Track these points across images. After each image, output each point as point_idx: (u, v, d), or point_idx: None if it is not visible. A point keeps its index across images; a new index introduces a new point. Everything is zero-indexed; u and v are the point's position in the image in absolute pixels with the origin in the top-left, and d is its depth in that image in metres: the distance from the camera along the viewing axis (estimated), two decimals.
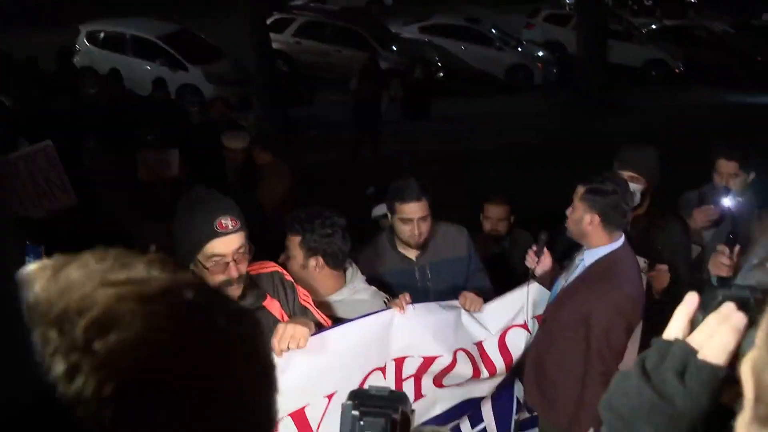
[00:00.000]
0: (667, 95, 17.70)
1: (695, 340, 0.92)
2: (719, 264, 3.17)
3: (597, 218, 3.28)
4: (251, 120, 12.40)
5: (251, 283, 2.78)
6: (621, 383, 0.99)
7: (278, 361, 2.54)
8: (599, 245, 3.36)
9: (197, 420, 0.59)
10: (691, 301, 0.98)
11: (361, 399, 1.41)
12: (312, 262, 3.20)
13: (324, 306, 3.18)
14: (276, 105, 13.47)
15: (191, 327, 0.61)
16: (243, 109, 13.47)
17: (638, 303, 3.28)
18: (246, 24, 13.73)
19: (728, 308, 0.91)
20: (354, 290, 3.42)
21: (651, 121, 14.15)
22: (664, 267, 3.67)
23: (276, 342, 2.54)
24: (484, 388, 3.68)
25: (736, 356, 0.88)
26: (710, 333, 0.91)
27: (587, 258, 3.41)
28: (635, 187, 3.96)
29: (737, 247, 3.19)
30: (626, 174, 3.85)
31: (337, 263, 3.32)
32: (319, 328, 2.86)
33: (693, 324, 0.95)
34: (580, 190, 3.34)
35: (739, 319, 0.89)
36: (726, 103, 16.97)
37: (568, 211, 3.41)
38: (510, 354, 3.68)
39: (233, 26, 15.20)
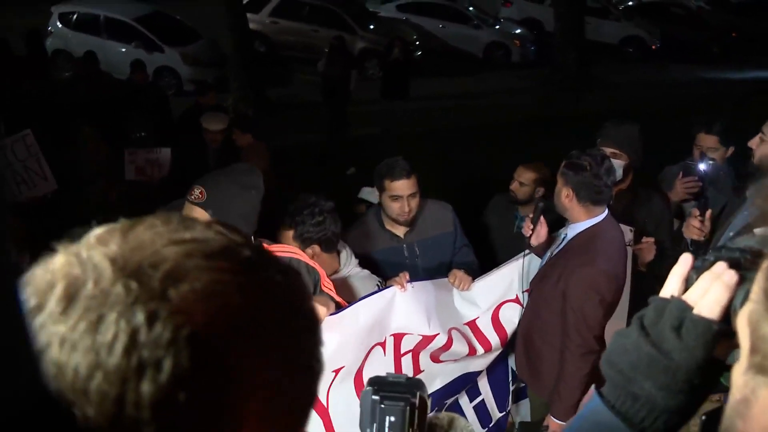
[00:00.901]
0: (644, 72, 17.80)
1: (690, 297, 0.97)
2: (692, 227, 3.38)
3: (572, 193, 3.32)
4: (229, 101, 12.30)
5: None
6: (620, 340, 1.01)
7: None
8: (579, 220, 3.39)
9: (259, 363, 0.65)
10: (685, 261, 1.02)
11: (381, 385, 1.48)
12: (309, 251, 3.22)
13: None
14: (253, 86, 13.37)
15: (253, 280, 0.67)
16: (220, 91, 13.37)
17: (613, 278, 3.29)
18: (222, 4, 13.57)
19: (720, 267, 0.95)
20: (351, 273, 3.48)
21: (628, 97, 14.24)
22: (651, 240, 3.72)
23: None
24: (481, 362, 3.74)
25: (728, 311, 0.92)
26: (704, 290, 0.95)
27: (570, 232, 3.45)
28: (617, 163, 4.01)
29: (709, 211, 3.37)
30: (608, 150, 3.90)
31: (331, 247, 3.39)
32: (338, 308, 2.89)
33: (687, 283, 1.00)
34: (561, 166, 3.39)
35: (731, 276, 0.93)
36: (702, 79, 17.11)
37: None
38: (504, 329, 3.73)
39: (209, 7, 15.04)
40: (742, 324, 0.78)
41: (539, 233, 3.61)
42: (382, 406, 1.45)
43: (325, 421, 2.91)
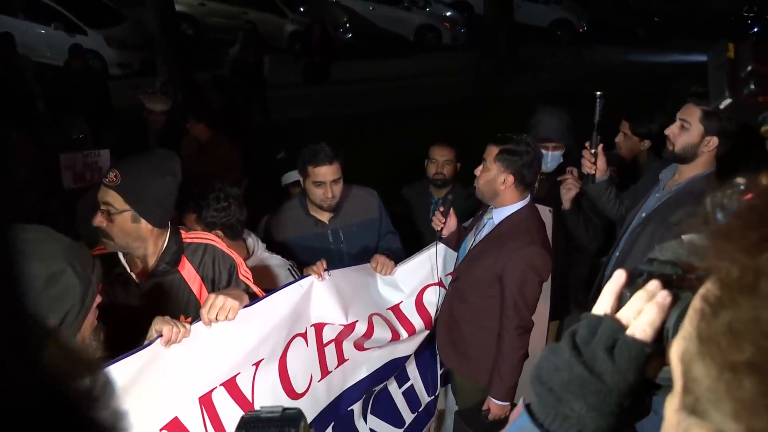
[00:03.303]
0: (573, 54, 18.12)
1: (623, 316, 0.96)
2: (585, 161, 3.75)
3: (511, 178, 3.32)
4: (157, 86, 12.00)
5: (177, 249, 2.78)
6: (551, 357, 0.99)
7: (207, 331, 2.50)
8: (507, 204, 3.41)
9: None
10: (618, 278, 1.01)
11: (252, 423, 1.34)
12: None
13: None
14: (181, 69, 13.07)
15: None
16: (147, 74, 13.03)
17: (548, 258, 3.36)
18: None
19: (654, 286, 0.95)
20: (259, 259, 3.44)
21: (557, 79, 14.48)
22: (574, 173, 3.93)
23: (204, 312, 2.52)
24: (407, 347, 3.74)
25: (661, 331, 0.92)
26: (637, 310, 0.95)
27: (496, 216, 3.45)
28: (556, 154, 4.17)
29: (600, 146, 3.68)
30: (550, 144, 4.14)
31: (236, 234, 3.36)
32: (254, 299, 2.84)
33: (621, 300, 0.99)
34: (494, 150, 3.34)
35: (664, 296, 0.93)
36: (628, 62, 17.51)
37: (478, 171, 3.43)
38: (428, 312, 3.76)
39: None
40: (674, 360, 0.77)
41: (449, 224, 3.70)
42: None
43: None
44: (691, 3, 22.45)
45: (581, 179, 3.92)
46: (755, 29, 20.96)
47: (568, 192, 3.98)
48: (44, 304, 1.91)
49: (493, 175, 3.34)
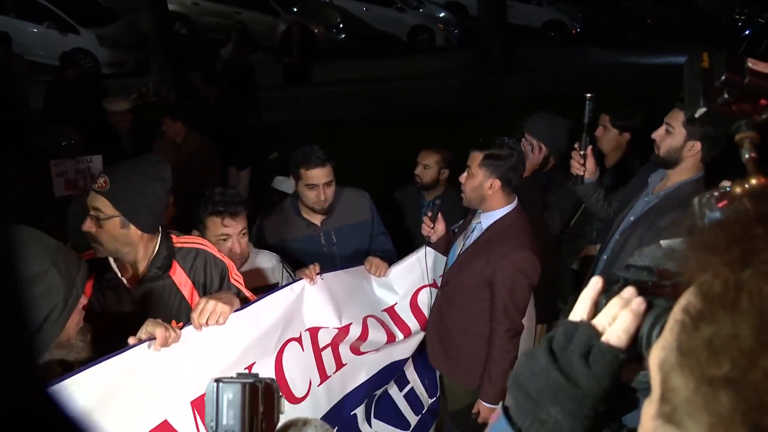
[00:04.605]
0: (565, 56, 18.15)
1: (599, 323, 0.98)
2: (573, 163, 3.79)
3: (498, 183, 3.33)
4: (149, 86, 11.98)
5: (168, 254, 2.78)
6: (529, 362, 1.02)
7: (198, 335, 2.50)
8: (495, 208, 3.42)
9: None
10: (595, 284, 1.03)
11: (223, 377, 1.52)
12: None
13: None
14: (174, 69, 13.05)
15: None
16: (140, 74, 13.01)
17: (537, 261, 3.37)
18: None
19: (629, 293, 0.97)
20: (254, 262, 3.45)
21: (550, 80, 14.50)
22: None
23: (195, 316, 2.52)
24: (405, 349, 3.75)
25: (635, 337, 0.95)
26: (612, 316, 0.97)
27: (484, 221, 3.46)
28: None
29: (590, 147, 3.72)
30: (534, 142, 4.20)
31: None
32: (245, 303, 2.83)
33: (597, 307, 1.01)
34: (478, 156, 3.35)
35: (639, 303, 0.95)
36: (620, 64, 17.55)
37: (462, 178, 3.44)
38: (422, 313, 3.79)
39: None
40: (653, 367, 0.78)
41: (438, 229, 3.74)
42: (220, 385, 1.44)
43: None
44: (684, 5, 22.54)
45: (570, 180, 3.93)
46: (747, 32, 21.02)
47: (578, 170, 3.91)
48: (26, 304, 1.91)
49: (479, 181, 3.36)
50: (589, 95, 3.56)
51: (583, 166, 3.74)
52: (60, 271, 2.02)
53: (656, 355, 0.77)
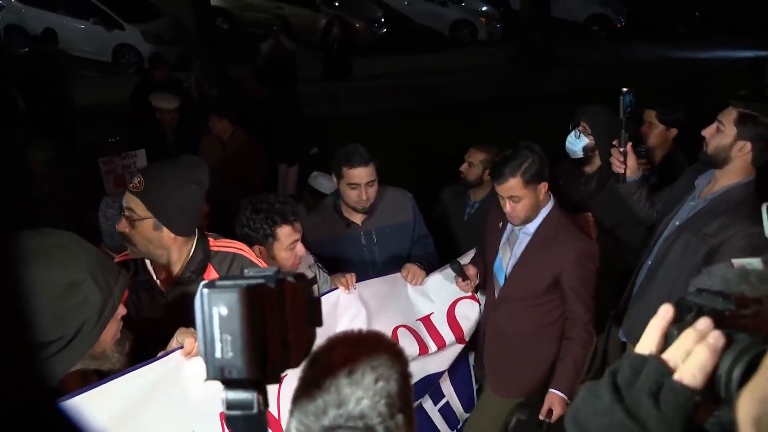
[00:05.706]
0: (609, 50, 17.86)
1: (670, 358, 0.88)
2: (614, 161, 3.68)
3: (545, 186, 3.32)
4: (192, 81, 12.07)
5: (203, 257, 2.74)
6: (590, 398, 0.91)
7: None
8: (541, 209, 3.40)
9: None
10: (665, 313, 0.93)
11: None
12: (255, 250, 3.12)
13: None
14: (216, 64, 13.14)
15: None
16: (182, 69, 13.11)
17: (595, 244, 3.41)
18: None
19: (704, 324, 0.87)
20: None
21: (593, 74, 14.27)
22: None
23: None
24: (439, 362, 3.65)
25: (712, 376, 0.84)
26: (686, 351, 0.87)
27: (529, 226, 3.41)
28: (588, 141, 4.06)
29: (629, 144, 3.60)
30: (582, 125, 4.07)
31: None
32: None
33: (667, 339, 0.91)
34: (518, 182, 3.26)
35: (717, 338, 0.85)
36: (667, 58, 17.22)
37: (511, 207, 3.35)
38: (459, 326, 3.67)
39: None
40: (745, 421, 0.70)
41: (630, 164, 3.66)
42: (206, 294, 0.95)
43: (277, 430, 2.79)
44: None
45: (612, 178, 3.83)
46: None
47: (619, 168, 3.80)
48: (60, 314, 1.87)
49: (533, 199, 3.31)
50: (624, 89, 3.46)
51: (624, 163, 3.64)
52: (97, 281, 1.96)
53: (749, 408, 0.70)
